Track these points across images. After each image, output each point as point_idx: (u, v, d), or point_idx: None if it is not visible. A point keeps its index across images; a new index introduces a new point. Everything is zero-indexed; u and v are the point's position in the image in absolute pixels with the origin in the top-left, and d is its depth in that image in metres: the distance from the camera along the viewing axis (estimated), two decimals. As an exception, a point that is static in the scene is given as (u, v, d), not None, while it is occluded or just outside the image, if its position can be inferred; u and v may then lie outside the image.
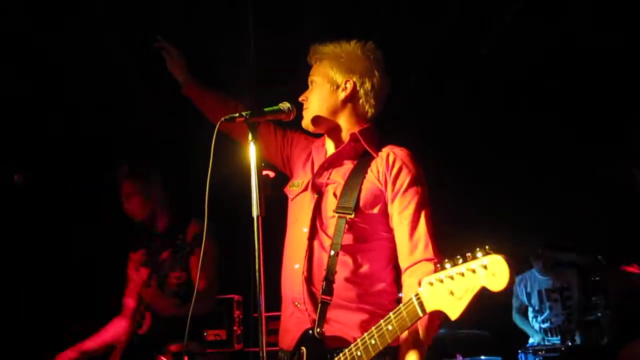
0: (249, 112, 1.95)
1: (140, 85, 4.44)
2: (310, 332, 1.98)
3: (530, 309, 5.03)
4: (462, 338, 4.65)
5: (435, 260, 1.92)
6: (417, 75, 4.70)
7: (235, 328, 5.04)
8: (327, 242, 2.06)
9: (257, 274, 1.83)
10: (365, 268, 2.06)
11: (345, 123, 2.22)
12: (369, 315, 2.00)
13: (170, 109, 4.38)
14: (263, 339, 1.82)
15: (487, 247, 1.48)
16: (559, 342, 4.57)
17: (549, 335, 4.82)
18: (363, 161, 2.15)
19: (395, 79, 2.31)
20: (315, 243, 2.09)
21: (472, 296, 1.48)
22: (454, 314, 1.53)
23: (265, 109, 2.04)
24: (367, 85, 2.19)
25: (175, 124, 4.55)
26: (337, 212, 2.06)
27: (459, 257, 1.53)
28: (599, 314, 4.15)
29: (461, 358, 4.45)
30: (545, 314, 4.88)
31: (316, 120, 2.22)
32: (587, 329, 4.63)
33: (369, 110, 2.22)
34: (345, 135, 2.21)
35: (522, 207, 5.29)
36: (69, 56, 4.05)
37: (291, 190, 2.29)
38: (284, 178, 2.50)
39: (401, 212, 2.03)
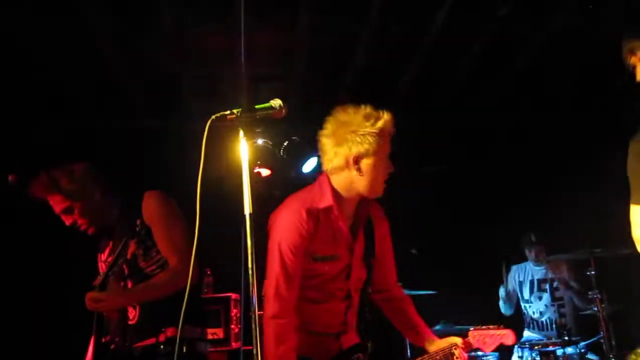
0: (239, 109, 1.95)
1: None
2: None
3: (521, 299, 5.02)
4: (459, 334, 4.65)
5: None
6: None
7: (232, 326, 5.06)
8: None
9: (249, 272, 1.84)
10: None
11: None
12: None
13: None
14: (257, 337, 1.83)
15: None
16: (554, 335, 4.57)
17: (540, 329, 4.82)
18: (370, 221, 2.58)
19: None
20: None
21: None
22: None
23: (257, 106, 2.04)
24: None
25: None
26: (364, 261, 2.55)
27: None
28: (595, 309, 4.14)
29: (458, 353, 4.45)
30: (535, 305, 4.88)
31: None
32: (584, 324, 4.64)
33: None
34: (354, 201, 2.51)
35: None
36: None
37: (325, 262, 2.46)
38: (276, 176, 2.49)
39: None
